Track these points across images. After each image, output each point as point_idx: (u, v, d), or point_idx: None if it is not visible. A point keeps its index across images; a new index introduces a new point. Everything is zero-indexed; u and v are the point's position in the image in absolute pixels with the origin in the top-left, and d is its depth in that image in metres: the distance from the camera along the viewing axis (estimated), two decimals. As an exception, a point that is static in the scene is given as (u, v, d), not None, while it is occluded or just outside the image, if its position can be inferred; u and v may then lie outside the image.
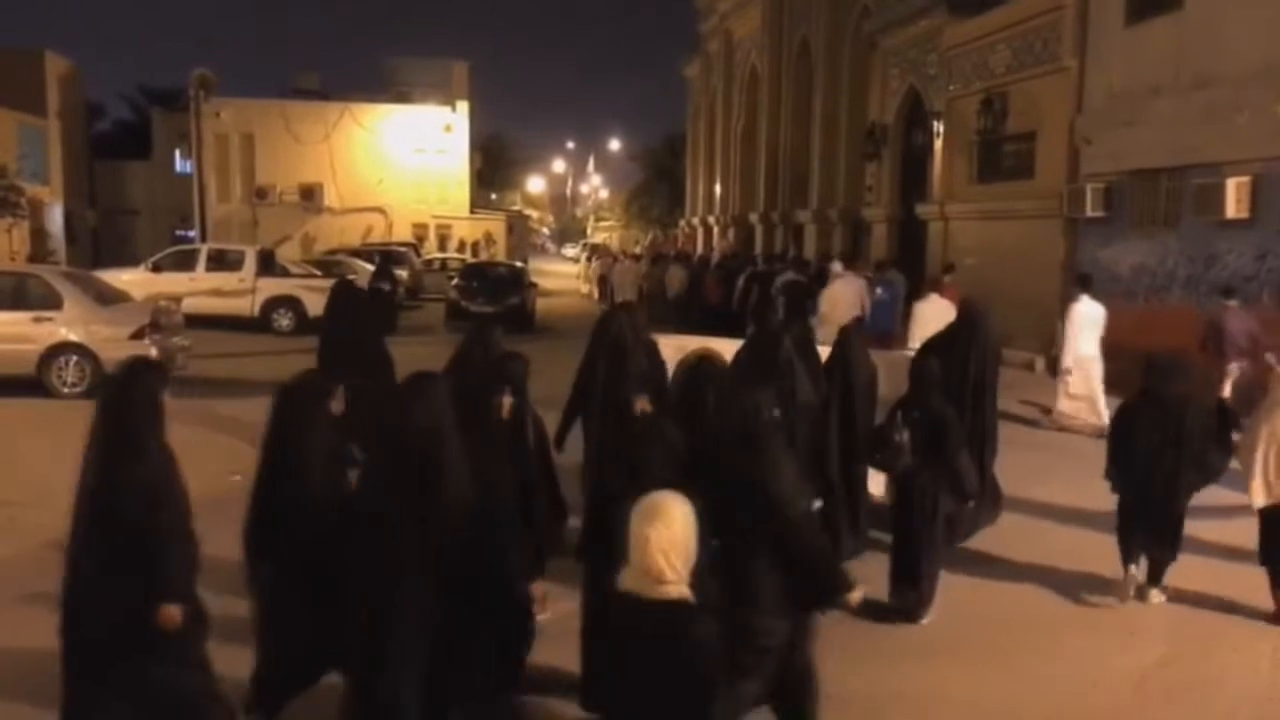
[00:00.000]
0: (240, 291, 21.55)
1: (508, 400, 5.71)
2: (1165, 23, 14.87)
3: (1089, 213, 16.06)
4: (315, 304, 21.33)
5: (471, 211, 42.78)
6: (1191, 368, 7.16)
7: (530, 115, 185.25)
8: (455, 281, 25.16)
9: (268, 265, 22.23)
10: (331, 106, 41.07)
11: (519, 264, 30.00)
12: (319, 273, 23.97)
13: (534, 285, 27.02)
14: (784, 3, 31.91)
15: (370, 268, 26.00)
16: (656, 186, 58.49)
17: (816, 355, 7.55)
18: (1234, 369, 11.14)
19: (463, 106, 41.72)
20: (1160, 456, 6.57)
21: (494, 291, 24.18)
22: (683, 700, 2.97)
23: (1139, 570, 6.92)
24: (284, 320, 21.46)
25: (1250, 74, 13.10)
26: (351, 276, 17.03)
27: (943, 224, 21.19)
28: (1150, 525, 6.75)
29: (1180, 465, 6.57)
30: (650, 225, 57.94)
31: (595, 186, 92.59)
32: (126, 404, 4.05)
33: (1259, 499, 6.48)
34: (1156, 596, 6.89)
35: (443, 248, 39.94)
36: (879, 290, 15.57)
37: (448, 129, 41.20)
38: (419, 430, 4.16)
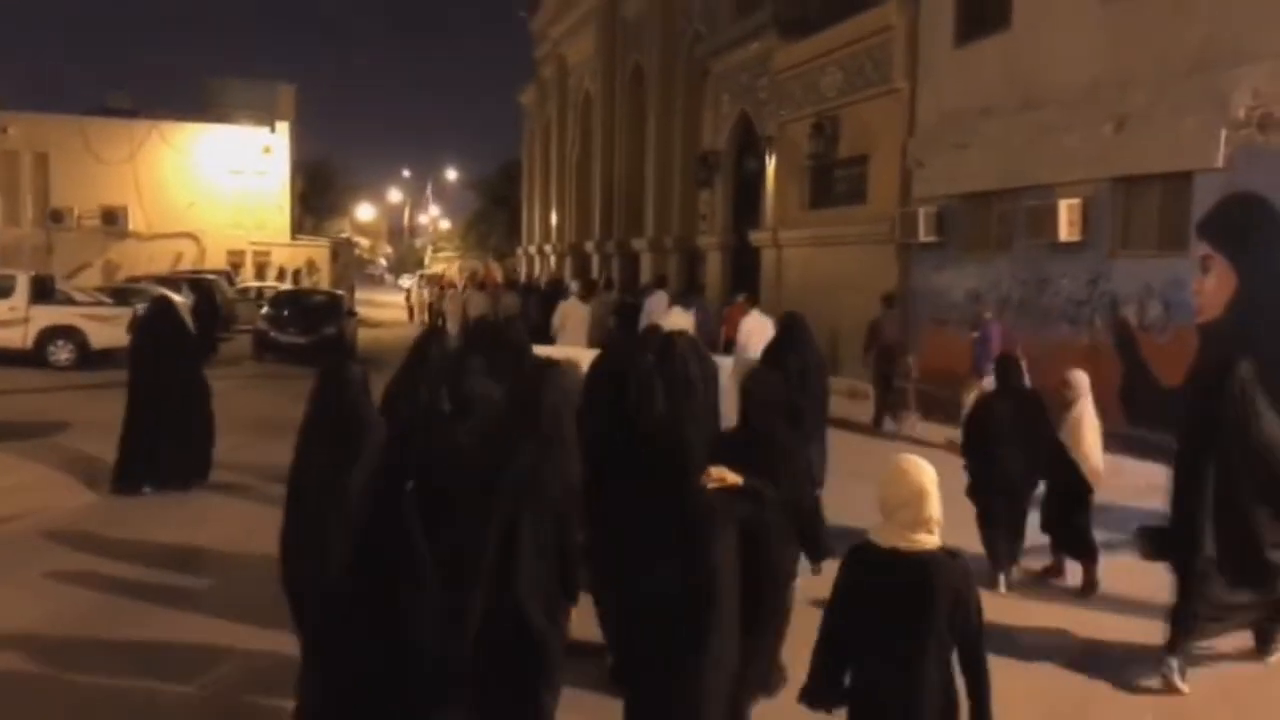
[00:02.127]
0: (10, 321, 19.18)
1: None
2: (994, 43, 14.64)
3: (921, 237, 15.69)
4: (101, 335, 19.34)
5: (293, 238, 40.44)
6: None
7: (364, 142, 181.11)
8: (264, 311, 23.22)
9: (44, 292, 19.89)
10: (138, 124, 38.17)
11: (337, 291, 28.12)
12: (109, 300, 21.70)
13: (353, 314, 25.26)
14: (616, 29, 31.30)
15: (178, 298, 23.96)
16: (494, 215, 57.24)
17: None
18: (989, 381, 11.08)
19: (283, 127, 39.45)
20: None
21: (308, 321, 22.37)
22: (951, 641, 3.29)
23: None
24: (62, 353, 19.18)
25: (1078, 94, 12.87)
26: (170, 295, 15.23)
27: (776, 251, 20.67)
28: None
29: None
30: (488, 254, 56.54)
31: (434, 216, 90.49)
32: None
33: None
34: None
35: (261, 276, 37.53)
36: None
37: (266, 150, 38.86)
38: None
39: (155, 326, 9.84)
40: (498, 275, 37.80)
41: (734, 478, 3.98)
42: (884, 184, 17.15)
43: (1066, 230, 12.80)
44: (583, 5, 33.62)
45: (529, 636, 4.20)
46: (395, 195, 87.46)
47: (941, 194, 15.63)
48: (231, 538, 8.01)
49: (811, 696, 3.56)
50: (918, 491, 3.27)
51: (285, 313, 22.75)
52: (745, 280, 21.54)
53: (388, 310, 41.54)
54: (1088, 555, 7.28)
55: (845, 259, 17.93)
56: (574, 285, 19.75)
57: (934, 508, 3.29)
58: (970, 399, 11.06)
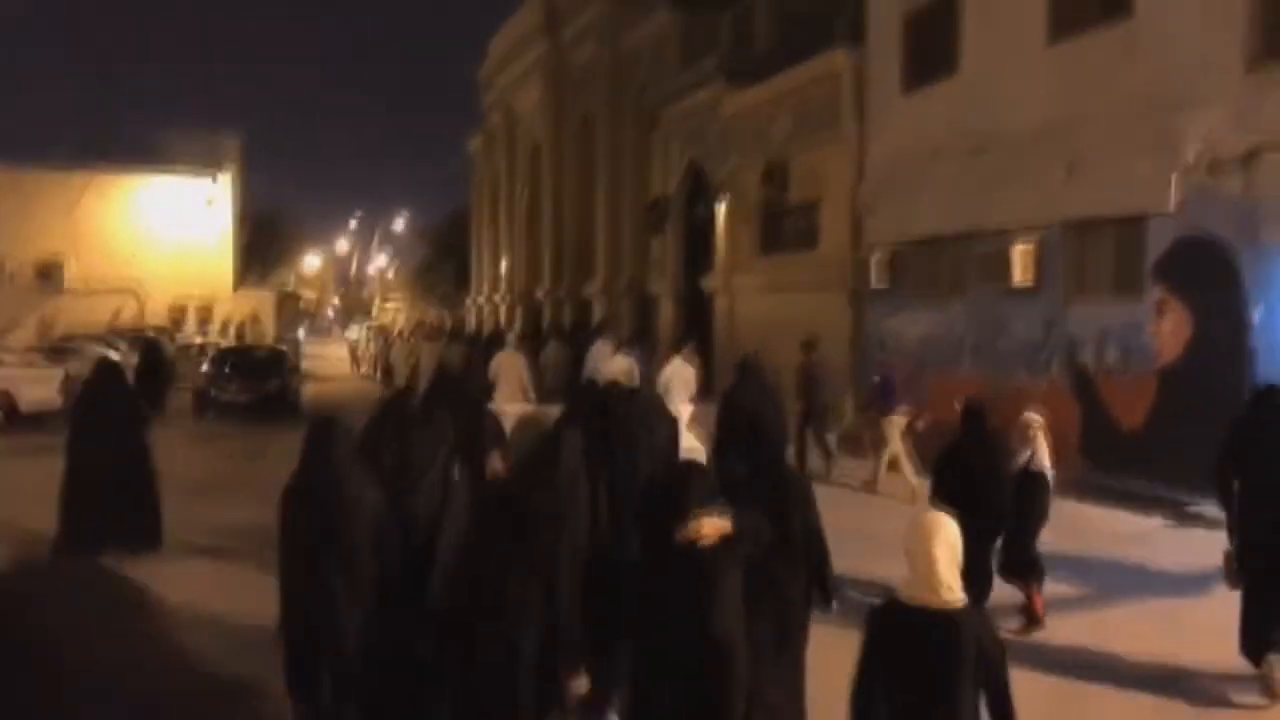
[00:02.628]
0: (-69, 382, 18.42)
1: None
2: (942, 88, 14.63)
3: (874, 283, 15.57)
4: (32, 395, 18.63)
5: (236, 289, 39.74)
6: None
7: (312, 190, 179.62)
8: (205, 368, 22.56)
9: (-30, 351, 19.18)
10: (76, 175, 37.41)
11: (280, 346, 27.49)
12: (40, 359, 20.98)
13: (296, 369, 24.64)
14: (563, 78, 31.29)
15: (117, 355, 23.30)
16: (442, 263, 56.78)
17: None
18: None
19: (225, 178, 38.91)
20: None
21: (250, 377, 21.75)
22: (978, 694, 3.35)
23: None
24: (-12, 415, 18.42)
25: (1028, 137, 12.84)
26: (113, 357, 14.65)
27: (728, 297, 20.50)
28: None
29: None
30: (437, 303, 56.01)
31: (381, 267, 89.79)
32: None
33: None
34: None
35: (203, 330, 36.75)
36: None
37: (209, 202, 38.26)
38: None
39: (98, 390, 9.48)
40: (445, 325, 37.49)
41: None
42: (835, 230, 17.05)
43: (1020, 275, 12.72)
44: (529, 54, 33.61)
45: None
46: (343, 244, 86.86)
47: (893, 239, 15.54)
48: (199, 600, 7.46)
49: None
50: (940, 548, 3.36)
51: (227, 369, 22.11)
52: (698, 326, 21.36)
53: (333, 364, 40.80)
54: (1032, 574, 7.32)
55: (798, 305, 17.75)
56: (511, 336, 19.90)
57: (957, 564, 3.39)
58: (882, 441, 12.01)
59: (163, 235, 37.94)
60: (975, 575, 6.79)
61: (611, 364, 14.79)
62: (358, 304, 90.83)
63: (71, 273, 36.83)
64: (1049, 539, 7.86)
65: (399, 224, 78.69)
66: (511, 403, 15.51)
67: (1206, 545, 9.29)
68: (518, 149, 36.53)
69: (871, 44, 16.15)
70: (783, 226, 18.88)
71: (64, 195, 37.16)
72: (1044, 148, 12.51)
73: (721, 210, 20.51)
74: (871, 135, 16.23)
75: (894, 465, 11.95)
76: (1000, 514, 7.12)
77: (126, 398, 9.82)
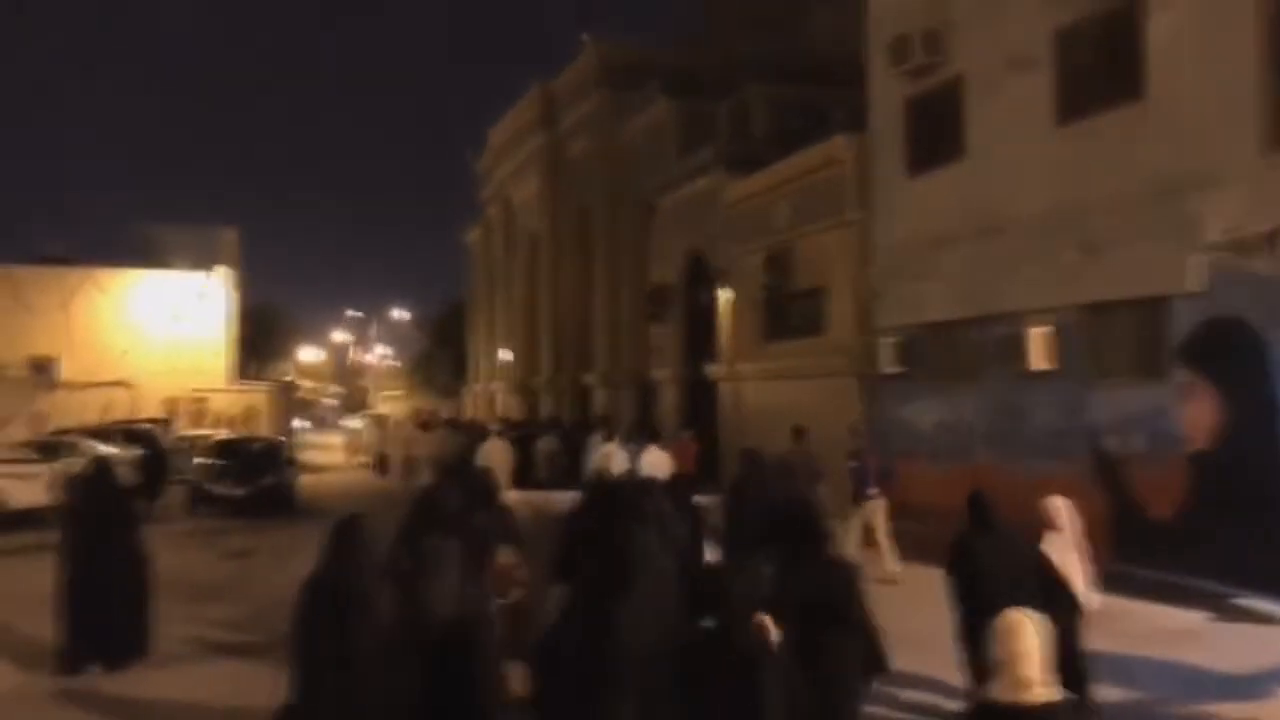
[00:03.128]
0: (-83, 480, 17.90)
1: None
2: (948, 173, 14.48)
3: (884, 368, 15.24)
4: (18, 494, 18.10)
5: (230, 383, 39.29)
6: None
7: (309, 283, 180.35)
8: (198, 460, 22.05)
9: (-43, 449, 18.69)
10: (71, 272, 37.20)
11: (277, 438, 27.02)
12: (31, 456, 20.46)
13: (294, 462, 24.13)
14: (560, 168, 31.42)
15: (117, 450, 22.87)
16: (440, 354, 56.59)
17: None
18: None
19: (221, 271, 38.75)
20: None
21: (246, 471, 21.23)
22: None
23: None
24: (-26, 514, 17.84)
25: (1039, 219, 12.64)
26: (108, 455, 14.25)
27: (733, 384, 20.16)
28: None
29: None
30: (435, 393, 55.64)
31: (381, 356, 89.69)
32: None
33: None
34: None
35: (197, 424, 36.22)
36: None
37: (202, 296, 38.04)
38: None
39: (93, 489, 9.22)
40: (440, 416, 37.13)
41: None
42: (842, 315, 16.79)
43: (1037, 359, 12.38)
44: (527, 147, 33.81)
45: None
46: (340, 335, 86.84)
47: (903, 324, 15.26)
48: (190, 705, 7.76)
49: None
50: (1032, 645, 3.43)
51: (221, 463, 21.61)
52: (701, 413, 20.99)
53: (332, 453, 40.34)
54: (1078, 682, 6.76)
55: (805, 391, 17.39)
56: (494, 426, 22.78)
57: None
58: (849, 525, 12.04)
59: (158, 329, 37.57)
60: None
61: (612, 460, 14.64)
62: (358, 393, 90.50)
63: (65, 368, 36.39)
64: (1106, 643, 7.47)
65: (396, 314, 78.94)
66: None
67: (1261, 641, 8.85)
68: (516, 239, 36.55)
69: (874, 128, 16.07)
70: (787, 313, 18.63)
71: (58, 291, 36.88)
72: (1057, 229, 12.30)
73: (724, 297, 20.28)
74: (877, 220, 16.05)
75: (869, 543, 12.08)
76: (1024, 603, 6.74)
77: (122, 498, 9.56)
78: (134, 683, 8.45)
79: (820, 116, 18.34)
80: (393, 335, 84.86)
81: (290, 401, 46.24)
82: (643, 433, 17.98)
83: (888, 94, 15.69)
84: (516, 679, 5.32)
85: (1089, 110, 12.11)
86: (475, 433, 23.67)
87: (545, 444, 20.55)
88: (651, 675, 4.32)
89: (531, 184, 33.67)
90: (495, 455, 17.08)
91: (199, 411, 37.55)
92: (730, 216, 20.06)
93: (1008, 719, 3.42)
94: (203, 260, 39.20)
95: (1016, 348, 12.74)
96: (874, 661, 5.38)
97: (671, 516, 6.63)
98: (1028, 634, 3.48)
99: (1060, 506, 7.40)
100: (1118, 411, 11.70)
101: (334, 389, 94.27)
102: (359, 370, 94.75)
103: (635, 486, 6.63)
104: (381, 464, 31.86)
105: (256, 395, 39.87)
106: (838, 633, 4.75)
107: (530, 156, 33.51)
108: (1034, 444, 12.80)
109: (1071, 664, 6.69)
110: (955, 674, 7.06)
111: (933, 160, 14.84)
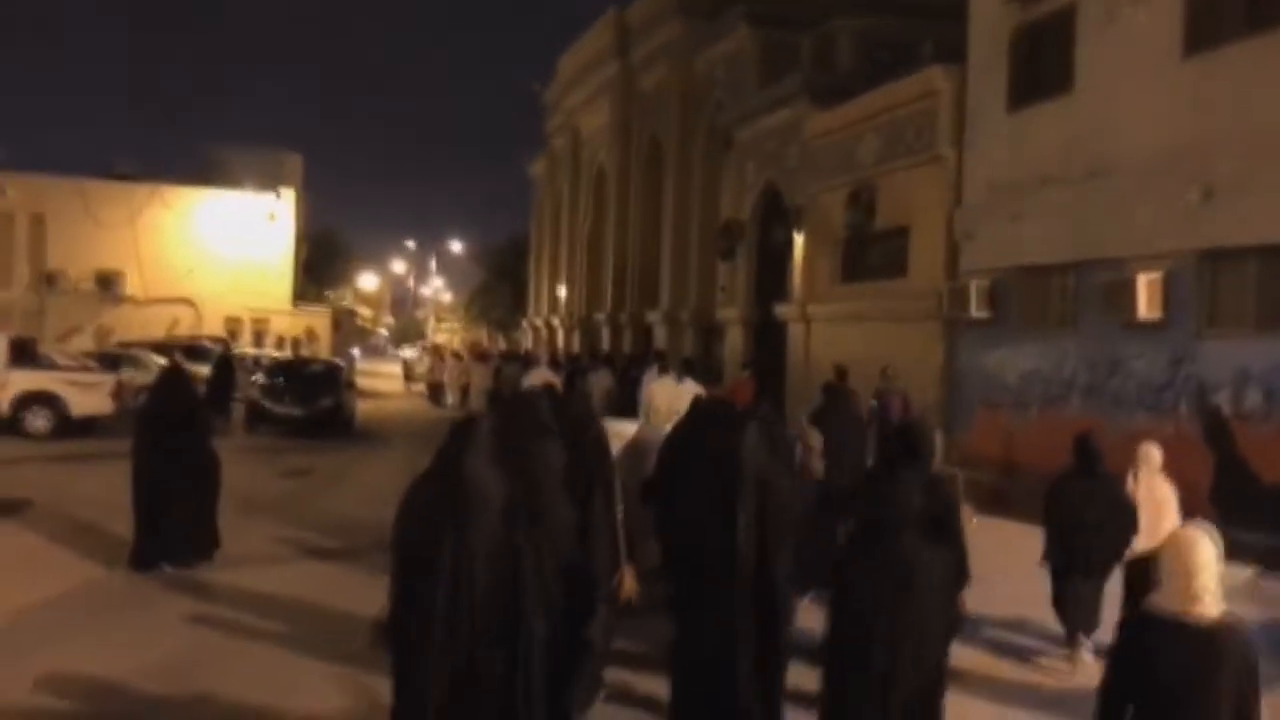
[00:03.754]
0: (-15, 385, 17.90)
1: None
2: (1053, 108, 13.59)
3: (973, 313, 14.48)
4: (81, 402, 18.08)
5: (294, 305, 39.36)
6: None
7: (369, 213, 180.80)
8: (258, 379, 21.92)
9: (24, 355, 18.64)
10: (139, 188, 37.34)
11: (336, 361, 26.87)
12: (94, 365, 20.44)
13: (353, 385, 23.94)
14: (632, 99, 30.61)
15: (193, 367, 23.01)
16: (498, 287, 56.30)
17: None
18: None
19: (288, 194, 38.64)
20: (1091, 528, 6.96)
21: (304, 392, 21.05)
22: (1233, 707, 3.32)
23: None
24: (39, 421, 17.84)
25: (1155, 160, 11.76)
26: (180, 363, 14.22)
27: (804, 325, 19.49)
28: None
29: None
30: (492, 326, 55.46)
31: (437, 289, 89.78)
32: None
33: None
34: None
35: (259, 344, 36.37)
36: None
37: (271, 217, 37.98)
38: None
39: (167, 395, 9.31)
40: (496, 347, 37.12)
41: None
42: (927, 257, 16.02)
43: (1146, 308, 11.59)
44: (598, 77, 33.01)
45: None
46: (399, 266, 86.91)
47: (994, 267, 14.48)
48: (274, 606, 7.93)
49: None
50: (1203, 561, 3.31)
51: (280, 382, 21.46)
52: (769, 356, 20.38)
53: (387, 381, 40.44)
54: None
55: (882, 336, 16.70)
56: (543, 356, 23.99)
57: (1216, 577, 3.34)
58: None
59: (223, 249, 37.67)
60: (1083, 612, 6.99)
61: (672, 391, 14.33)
62: (412, 325, 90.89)
63: (131, 283, 36.66)
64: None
65: (455, 247, 78.79)
66: None
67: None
68: (582, 172, 35.90)
69: (973, 59, 15.15)
70: (867, 253, 17.88)
71: (126, 207, 37.08)
72: (1175, 170, 11.43)
73: (800, 235, 19.55)
74: (970, 157, 15.20)
75: None
76: (1117, 543, 6.93)
77: (194, 404, 9.62)
78: (209, 579, 8.67)
79: (907, 50, 17.40)
80: (449, 268, 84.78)
81: (350, 327, 46.38)
82: (694, 367, 17.70)
83: (992, 23, 14.76)
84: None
85: (1219, 41, 11.17)
86: (530, 364, 23.23)
87: (599, 378, 20.00)
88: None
89: (601, 115, 32.92)
90: (539, 383, 17.15)
91: (260, 332, 37.74)
92: (811, 150, 19.24)
93: (1171, 630, 3.35)
94: (267, 183, 39.17)
95: (1120, 295, 11.96)
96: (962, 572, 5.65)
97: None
98: (1204, 548, 3.34)
99: (1155, 452, 7.30)
100: (1231, 366, 10.92)
101: (387, 319, 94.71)
102: (415, 301, 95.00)
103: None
104: (435, 392, 32.41)
105: (316, 318, 40.00)
106: (939, 542, 4.76)
107: (601, 87, 32.72)
108: (1133, 397, 12.07)
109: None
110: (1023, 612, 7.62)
111: (1037, 94, 13.95)
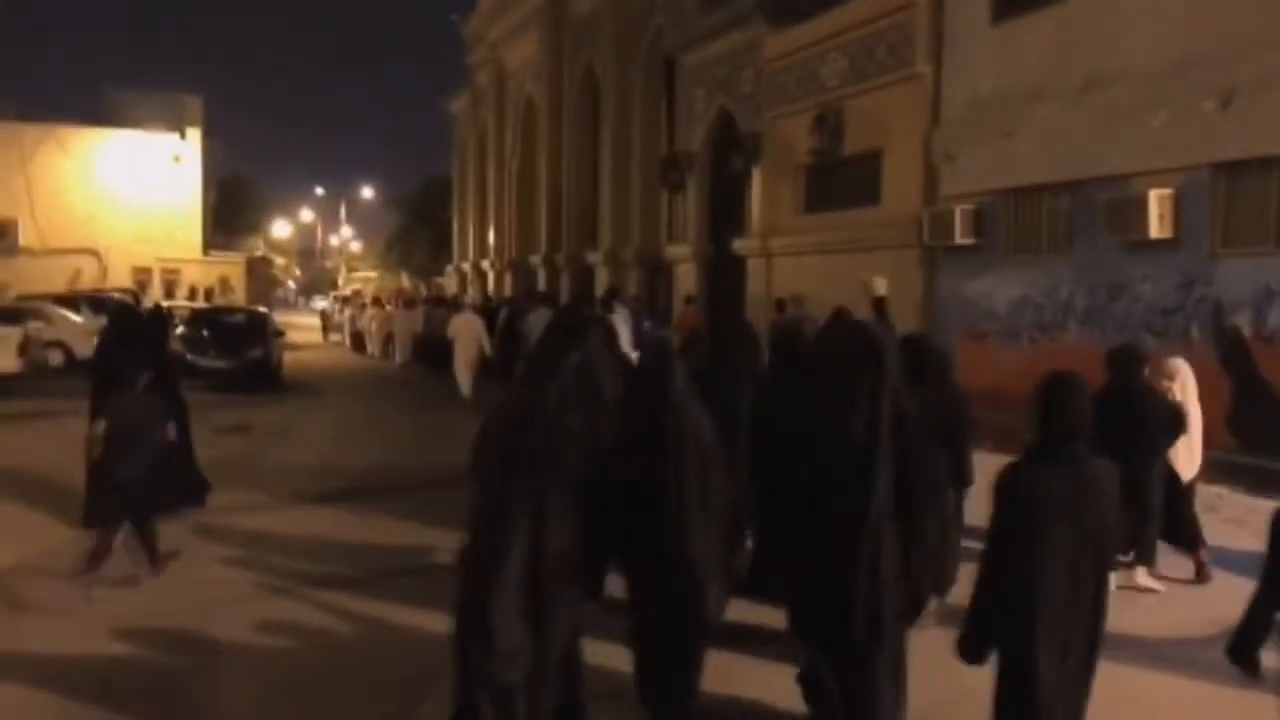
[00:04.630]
0: None
1: None
2: (1043, 17, 12.81)
3: (957, 239, 13.77)
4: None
5: (205, 254, 37.31)
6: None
7: (275, 161, 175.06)
8: (180, 331, 20.36)
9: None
10: (28, 129, 34.79)
11: (263, 310, 25.33)
12: (-8, 319, 18.76)
13: (281, 335, 22.54)
14: (563, 26, 29.17)
15: (76, 318, 21.44)
16: (417, 232, 54.49)
17: None
18: None
19: (194, 135, 36.41)
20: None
21: (230, 343, 19.66)
22: None
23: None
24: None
25: (1163, 69, 11.07)
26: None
27: (765, 260, 18.64)
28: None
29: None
30: (413, 273, 53.71)
31: (346, 238, 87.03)
32: None
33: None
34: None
35: (170, 295, 34.37)
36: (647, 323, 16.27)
37: (177, 160, 35.78)
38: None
39: (122, 336, 8.49)
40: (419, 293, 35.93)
41: None
42: (901, 181, 15.24)
43: (1158, 226, 10.94)
44: (525, 5, 31.41)
45: None
46: (307, 215, 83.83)
47: (979, 190, 13.76)
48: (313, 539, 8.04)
49: None
50: None
51: (204, 334, 19.98)
52: (726, 292, 19.56)
53: (304, 332, 38.94)
54: (1191, 543, 7.14)
55: (853, 267, 15.79)
56: (468, 299, 24.73)
57: None
58: None
59: (126, 195, 35.40)
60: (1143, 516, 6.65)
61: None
62: (322, 276, 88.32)
63: (26, 233, 34.25)
64: (1214, 534, 7.56)
65: (366, 193, 76.13)
66: (469, 359, 17.63)
67: None
68: (508, 106, 34.39)
69: (952, -32, 14.30)
70: (834, 180, 17.02)
71: (16, 150, 34.53)
72: (1188, 79, 10.75)
73: (758, 165, 18.63)
74: (949, 73, 14.40)
75: None
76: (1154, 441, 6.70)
77: (155, 346, 8.74)
78: (215, 524, 8.42)
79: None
80: (360, 216, 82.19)
81: (266, 276, 44.34)
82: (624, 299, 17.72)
83: (970, -72, 13.90)
84: None
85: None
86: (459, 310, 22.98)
87: (539, 317, 18.88)
88: None
89: (529, 45, 31.38)
90: (466, 327, 17.98)
91: (171, 282, 35.70)
92: (770, 73, 18.26)
93: None
94: (169, 125, 36.89)
95: (1126, 214, 11.29)
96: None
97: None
98: None
99: (1181, 367, 7.18)
100: (1250, 286, 10.37)
101: (296, 271, 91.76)
102: (323, 251, 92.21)
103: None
104: (356, 340, 31.64)
105: (230, 268, 38.00)
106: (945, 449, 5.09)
107: (528, 15, 31.14)
108: (1139, 322, 11.49)
109: (1186, 526, 7.14)
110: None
111: (1024, 3, 13.15)
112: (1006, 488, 3.62)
